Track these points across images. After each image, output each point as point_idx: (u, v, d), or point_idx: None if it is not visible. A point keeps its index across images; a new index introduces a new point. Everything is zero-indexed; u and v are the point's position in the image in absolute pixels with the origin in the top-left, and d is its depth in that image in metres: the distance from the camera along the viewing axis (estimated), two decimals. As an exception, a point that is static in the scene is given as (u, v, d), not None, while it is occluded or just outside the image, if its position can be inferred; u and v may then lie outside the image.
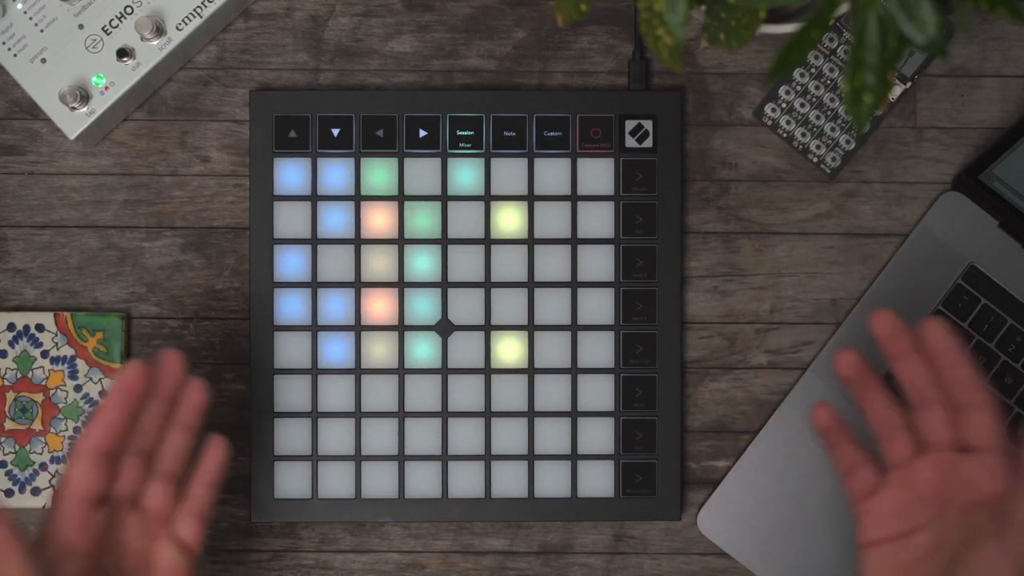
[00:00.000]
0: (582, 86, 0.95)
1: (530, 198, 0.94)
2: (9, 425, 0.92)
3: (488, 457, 0.93)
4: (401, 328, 0.93)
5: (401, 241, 0.93)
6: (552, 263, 0.93)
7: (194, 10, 0.91)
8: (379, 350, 0.93)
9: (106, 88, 0.91)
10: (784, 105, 0.95)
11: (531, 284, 0.93)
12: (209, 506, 0.83)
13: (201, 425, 0.84)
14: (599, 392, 0.93)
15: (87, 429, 0.80)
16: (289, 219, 0.93)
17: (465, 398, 0.93)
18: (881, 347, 0.84)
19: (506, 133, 0.93)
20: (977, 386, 0.81)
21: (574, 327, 0.93)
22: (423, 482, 0.93)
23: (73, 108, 0.90)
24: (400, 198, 0.93)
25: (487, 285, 0.93)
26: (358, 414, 0.93)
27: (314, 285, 0.93)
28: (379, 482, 0.93)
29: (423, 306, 0.93)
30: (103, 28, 0.91)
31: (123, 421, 0.80)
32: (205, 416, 0.84)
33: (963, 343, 0.82)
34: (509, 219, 0.94)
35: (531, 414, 0.93)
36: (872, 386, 0.84)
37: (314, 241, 0.93)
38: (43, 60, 0.91)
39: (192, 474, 0.83)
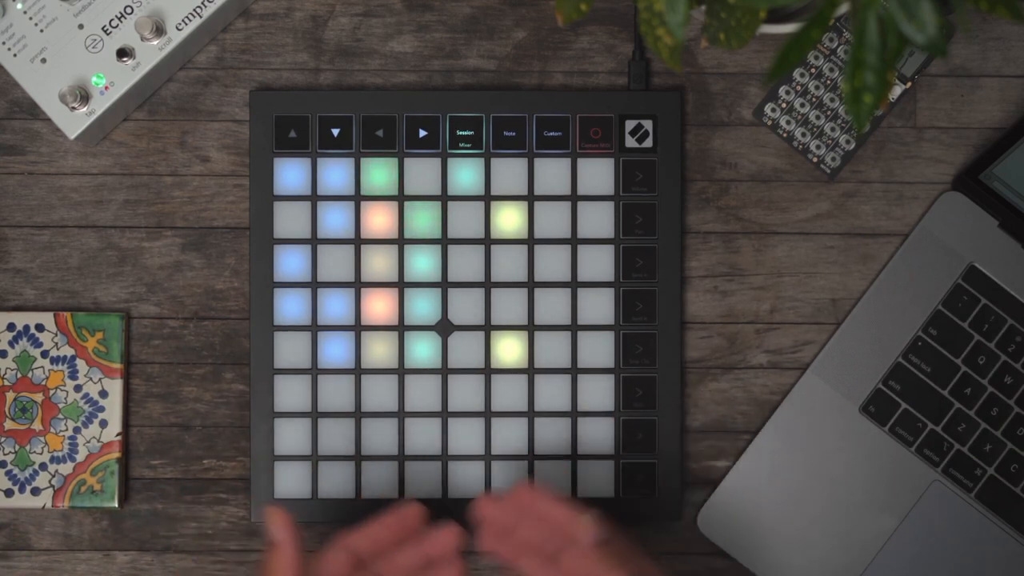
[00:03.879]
0: (582, 86, 0.95)
1: (530, 198, 0.94)
2: (9, 425, 0.92)
3: (488, 457, 0.93)
4: (401, 328, 0.93)
5: (401, 241, 0.93)
6: (552, 263, 0.93)
7: (194, 10, 0.91)
8: (379, 350, 0.93)
9: (106, 88, 0.91)
10: (784, 105, 0.95)
11: (531, 284, 0.93)
12: None
13: None
14: (599, 392, 0.93)
15: (357, 531, 0.85)
16: (289, 219, 0.93)
17: (465, 398, 0.93)
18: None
19: (506, 133, 0.93)
20: (571, 521, 0.84)
21: (574, 327, 0.93)
22: (423, 482, 0.93)
23: (73, 108, 0.90)
24: (400, 198, 0.93)
25: (487, 285, 0.93)
26: (358, 414, 0.93)
27: (314, 285, 0.93)
28: (379, 482, 0.93)
29: (423, 306, 0.93)
30: (103, 28, 0.91)
31: (385, 541, 0.85)
32: None
33: (550, 493, 0.85)
34: (509, 219, 0.94)
35: (531, 414, 0.93)
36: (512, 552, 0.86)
37: (314, 241, 0.93)
38: (43, 60, 0.91)
39: None
